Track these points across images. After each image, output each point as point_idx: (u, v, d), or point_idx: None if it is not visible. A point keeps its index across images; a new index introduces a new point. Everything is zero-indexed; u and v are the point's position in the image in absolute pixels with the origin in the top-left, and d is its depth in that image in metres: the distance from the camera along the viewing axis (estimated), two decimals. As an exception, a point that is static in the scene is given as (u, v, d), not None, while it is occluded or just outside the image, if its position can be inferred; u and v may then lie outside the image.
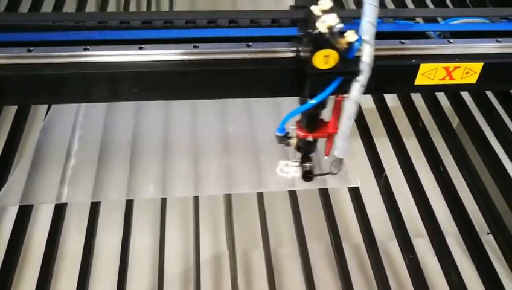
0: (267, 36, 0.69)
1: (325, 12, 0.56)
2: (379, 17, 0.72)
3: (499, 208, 0.82)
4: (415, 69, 0.70)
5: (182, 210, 0.94)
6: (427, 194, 0.83)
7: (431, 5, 1.22)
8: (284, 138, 0.71)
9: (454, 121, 0.97)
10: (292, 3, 0.72)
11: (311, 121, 0.68)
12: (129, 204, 0.82)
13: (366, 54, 0.58)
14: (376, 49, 0.68)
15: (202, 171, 0.79)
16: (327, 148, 0.70)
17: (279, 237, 0.90)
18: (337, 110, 0.66)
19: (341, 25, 0.57)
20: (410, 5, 1.25)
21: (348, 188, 0.81)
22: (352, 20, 0.67)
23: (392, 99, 1.00)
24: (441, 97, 0.98)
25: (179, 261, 0.88)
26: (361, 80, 0.59)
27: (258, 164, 0.80)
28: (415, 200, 0.83)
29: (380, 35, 0.70)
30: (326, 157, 0.71)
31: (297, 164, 0.75)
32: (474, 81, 0.72)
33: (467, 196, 0.84)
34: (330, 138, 0.69)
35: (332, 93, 0.63)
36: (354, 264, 0.85)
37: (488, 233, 0.83)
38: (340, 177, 0.76)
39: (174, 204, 0.90)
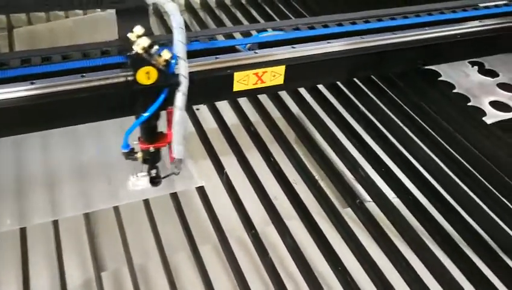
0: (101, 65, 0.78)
1: (139, 37, 0.67)
2: (196, 39, 0.86)
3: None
4: (230, 78, 0.83)
5: (44, 242, 0.96)
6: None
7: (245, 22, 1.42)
8: (130, 153, 0.79)
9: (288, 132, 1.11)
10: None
11: (150, 133, 0.78)
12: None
13: (182, 68, 0.71)
14: (196, 65, 0.82)
15: (58, 196, 0.84)
16: (170, 155, 0.79)
17: (145, 249, 0.96)
18: (171, 120, 0.75)
19: (157, 47, 0.69)
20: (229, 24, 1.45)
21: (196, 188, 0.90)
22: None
23: (232, 118, 1.13)
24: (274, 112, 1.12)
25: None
26: (182, 89, 0.71)
27: (112, 182, 0.86)
28: (284, 192, 0.93)
29: (198, 54, 0.84)
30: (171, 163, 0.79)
31: (145, 174, 0.83)
32: (282, 82, 0.87)
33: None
34: (171, 146, 0.77)
35: (162, 106, 0.73)
36: (241, 255, 0.92)
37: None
38: (187, 181, 0.86)
39: (36, 236, 0.92)
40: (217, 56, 0.83)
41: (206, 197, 0.89)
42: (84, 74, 0.76)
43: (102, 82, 0.75)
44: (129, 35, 0.67)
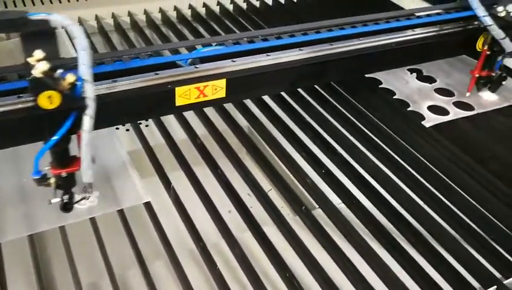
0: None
1: (38, 61, 0.66)
2: (136, 56, 0.87)
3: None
4: (172, 93, 0.84)
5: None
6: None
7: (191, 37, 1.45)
8: (43, 180, 0.77)
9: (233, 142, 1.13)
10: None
11: (61, 157, 0.76)
12: None
13: (88, 91, 0.69)
14: (137, 82, 0.82)
15: (1, 219, 0.82)
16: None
17: (94, 269, 0.94)
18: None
19: (61, 70, 0.68)
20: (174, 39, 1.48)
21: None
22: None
23: (179, 132, 1.13)
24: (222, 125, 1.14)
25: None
26: (89, 112, 0.69)
27: (55, 203, 0.85)
28: (233, 203, 0.93)
29: (138, 70, 0.84)
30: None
31: (59, 199, 0.81)
32: (224, 95, 0.89)
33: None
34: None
35: (70, 130, 0.71)
36: (191, 268, 0.91)
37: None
38: (133, 197, 0.86)
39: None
40: (157, 72, 0.84)
41: (153, 213, 0.89)
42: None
43: (9, 107, 0.73)
44: (28, 59, 0.66)
